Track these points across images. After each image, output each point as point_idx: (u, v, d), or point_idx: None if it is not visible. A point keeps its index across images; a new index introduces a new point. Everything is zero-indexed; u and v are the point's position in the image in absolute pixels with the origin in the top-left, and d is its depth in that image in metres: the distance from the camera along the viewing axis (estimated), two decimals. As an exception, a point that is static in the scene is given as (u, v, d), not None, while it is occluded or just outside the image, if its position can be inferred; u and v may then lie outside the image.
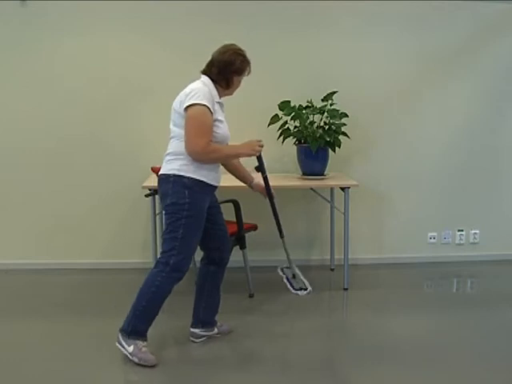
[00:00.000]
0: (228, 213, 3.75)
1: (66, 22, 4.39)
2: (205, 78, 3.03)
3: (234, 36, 4.44)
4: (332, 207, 4.51)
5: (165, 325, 3.56)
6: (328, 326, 3.53)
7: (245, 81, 4.70)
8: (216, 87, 3.03)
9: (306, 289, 3.77)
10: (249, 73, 3.15)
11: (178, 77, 4.28)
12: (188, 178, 2.92)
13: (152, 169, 3.70)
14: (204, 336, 3.24)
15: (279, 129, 4.27)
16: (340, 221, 4.26)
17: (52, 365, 2.97)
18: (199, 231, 3.00)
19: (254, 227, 3.97)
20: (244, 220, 3.81)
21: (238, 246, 3.82)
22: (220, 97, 3.06)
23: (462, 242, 4.86)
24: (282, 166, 4.58)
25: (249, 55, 3.16)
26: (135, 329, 2.96)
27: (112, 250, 4.62)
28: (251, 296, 3.96)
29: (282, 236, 3.94)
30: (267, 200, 3.48)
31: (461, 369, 2.94)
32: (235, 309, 3.72)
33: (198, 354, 3.12)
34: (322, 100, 4.28)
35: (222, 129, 3.00)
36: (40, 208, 4.55)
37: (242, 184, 4.08)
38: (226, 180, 4.07)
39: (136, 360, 2.93)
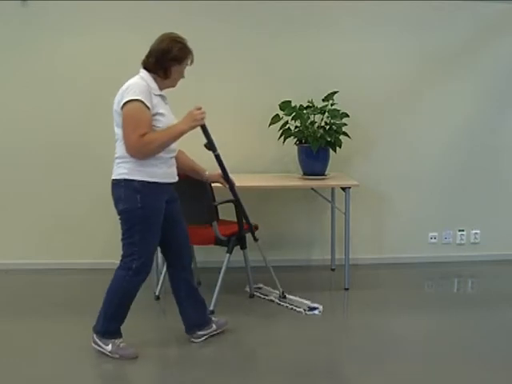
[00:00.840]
0: (228, 213, 3.74)
1: (66, 22, 4.37)
2: (143, 72, 2.96)
3: (234, 36, 4.48)
4: (333, 207, 4.50)
5: (165, 325, 3.56)
6: (329, 326, 3.52)
7: (246, 81, 4.72)
8: (155, 79, 2.94)
9: (316, 308, 3.65)
10: (192, 62, 3.02)
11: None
12: (138, 181, 2.87)
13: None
14: (204, 335, 3.22)
15: (280, 129, 4.26)
16: (341, 221, 4.26)
17: (52, 365, 2.97)
18: (157, 233, 2.97)
19: (255, 227, 3.95)
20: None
21: (238, 246, 3.80)
22: (161, 89, 2.97)
23: (462, 242, 4.85)
24: (283, 166, 4.58)
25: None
26: (108, 330, 3.01)
27: (112, 249, 4.57)
28: (252, 296, 3.95)
29: (255, 239, 3.70)
30: (229, 189, 3.40)
31: (461, 369, 2.94)
32: (236, 309, 3.71)
33: (198, 355, 3.11)
34: (323, 100, 4.27)
35: (164, 122, 2.90)
36: (40, 208, 4.54)
37: (244, 184, 4.09)
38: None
39: (117, 356, 2.97)
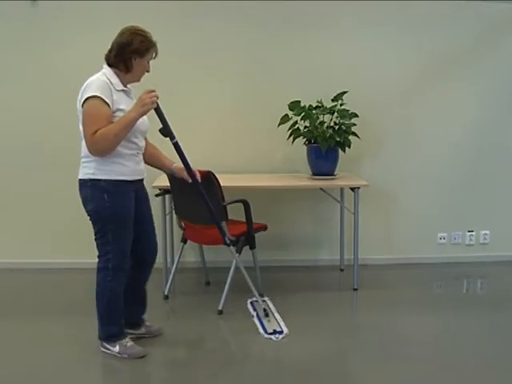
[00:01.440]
0: (238, 213, 3.75)
1: (67, 22, 4.37)
2: (105, 68, 2.89)
3: (234, 36, 4.47)
4: (342, 207, 4.50)
5: (173, 325, 3.56)
6: (337, 326, 3.52)
7: (255, 80, 4.70)
8: (117, 74, 2.88)
9: (281, 331, 3.33)
10: (156, 55, 2.93)
11: (178, 77, 4.31)
12: (105, 180, 2.84)
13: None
14: (130, 334, 3.13)
15: (289, 129, 4.26)
16: (349, 221, 4.26)
17: (54, 364, 2.98)
18: (129, 230, 2.95)
19: (264, 227, 3.96)
20: (254, 220, 3.81)
21: (247, 246, 3.81)
22: (125, 84, 2.91)
23: (472, 242, 4.84)
24: (292, 165, 4.57)
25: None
26: (109, 333, 3.01)
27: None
28: (261, 296, 3.95)
29: (228, 242, 3.39)
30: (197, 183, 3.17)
31: (470, 369, 2.93)
32: (244, 308, 3.71)
33: (202, 354, 3.11)
34: (332, 100, 4.27)
35: None
36: (41, 208, 4.54)
37: (252, 184, 4.10)
38: (236, 180, 4.09)
39: (126, 356, 2.97)
